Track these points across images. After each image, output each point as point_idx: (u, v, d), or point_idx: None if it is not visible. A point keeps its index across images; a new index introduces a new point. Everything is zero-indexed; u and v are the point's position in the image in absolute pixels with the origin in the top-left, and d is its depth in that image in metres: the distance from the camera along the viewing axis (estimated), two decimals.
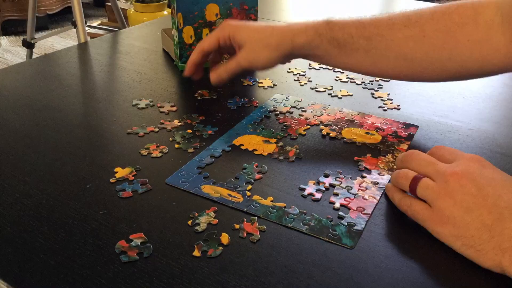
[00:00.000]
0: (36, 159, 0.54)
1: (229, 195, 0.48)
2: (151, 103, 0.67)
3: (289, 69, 0.81)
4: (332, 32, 0.58)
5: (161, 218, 0.45)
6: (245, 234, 0.43)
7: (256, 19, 0.79)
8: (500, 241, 0.38)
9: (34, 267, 0.39)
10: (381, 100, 0.70)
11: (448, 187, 0.41)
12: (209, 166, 0.53)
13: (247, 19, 0.79)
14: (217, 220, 0.45)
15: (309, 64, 0.83)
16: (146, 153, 0.55)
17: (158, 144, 0.57)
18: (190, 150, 0.56)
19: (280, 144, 0.58)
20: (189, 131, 0.60)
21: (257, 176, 0.52)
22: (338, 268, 0.40)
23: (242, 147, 0.57)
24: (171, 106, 0.67)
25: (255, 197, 0.48)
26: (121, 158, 0.54)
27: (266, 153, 0.56)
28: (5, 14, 3.16)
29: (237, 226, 0.44)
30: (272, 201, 0.48)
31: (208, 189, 0.49)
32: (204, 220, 0.44)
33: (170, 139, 0.58)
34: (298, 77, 0.78)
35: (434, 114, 0.66)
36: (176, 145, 0.57)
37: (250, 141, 0.58)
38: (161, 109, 0.66)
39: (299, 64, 0.82)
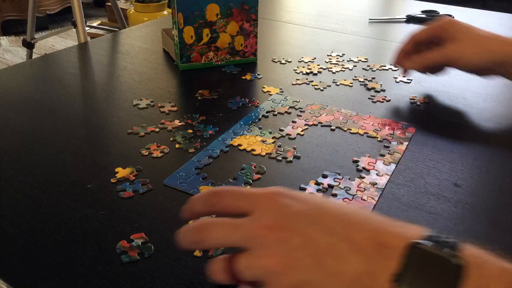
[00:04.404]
0: (36, 159, 0.54)
1: None
2: (152, 103, 0.67)
3: (296, 70, 0.81)
4: None
5: (162, 218, 0.45)
6: None
7: (256, 19, 0.79)
8: None
9: (34, 267, 0.39)
10: (375, 91, 0.71)
11: (270, 251, 0.31)
12: (207, 166, 0.53)
13: (247, 19, 0.79)
14: None
15: (308, 66, 0.83)
16: (147, 153, 0.55)
17: (158, 144, 0.57)
18: (191, 150, 0.56)
19: (278, 144, 0.58)
20: (190, 131, 0.60)
21: (256, 176, 0.52)
22: None
23: (240, 148, 0.57)
24: (172, 106, 0.66)
25: None
26: (121, 158, 0.54)
27: (264, 154, 0.56)
28: (5, 14, 3.16)
29: None
30: None
31: None
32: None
33: (171, 139, 0.58)
34: (304, 79, 0.78)
35: (434, 114, 0.66)
36: (177, 145, 0.57)
37: (248, 142, 0.58)
38: (162, 109, 0.66)
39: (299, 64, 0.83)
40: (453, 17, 0.73)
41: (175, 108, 0.66)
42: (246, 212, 0.34)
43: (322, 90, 0.73)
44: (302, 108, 0.67)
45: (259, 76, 0.78)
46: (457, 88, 0.75)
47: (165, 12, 2.92)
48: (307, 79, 0.77)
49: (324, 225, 0.32)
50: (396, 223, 0.32)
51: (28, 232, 0.43)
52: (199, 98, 0.70)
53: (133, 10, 2.94)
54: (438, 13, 1.13)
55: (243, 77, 0.77)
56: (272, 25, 1.08)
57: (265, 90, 0.73)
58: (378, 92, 0.73)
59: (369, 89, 0.74)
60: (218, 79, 0.76)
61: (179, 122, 0.62)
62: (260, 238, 0.32)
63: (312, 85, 0.75)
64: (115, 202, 0.47)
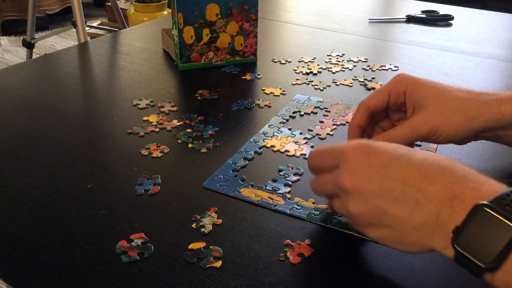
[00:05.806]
0: (36, 159, 0.54)
1: (270, 198, 0.48)
2: (152, 103, 0.67)
3: (296, 68, 0.81)
4: None
5: (161, 218, 0.45)
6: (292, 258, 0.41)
7: (256, 19, 0.79)
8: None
9: (34, 267, 0.39)
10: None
11: (350, 199, 0.38)
12: (243, 168, 0.53)
13: (247, 19, 0.79)
14: (221, 220, 0.45)
15: (308, 66, 0.83)
16: (147, 153, 0.55)
17: (158, 144, 0.57)
18: (203, 150, 0.56)
19: (311, 144, 0.58)
20: (189, 130, 0.60)
21: (295, 178, 0.51)
22: (340, 268, 0.40)
23: (274, 149, 0.57)
24: (172, 106, 0.66)
25: (296, 199, 0.48)
26: (121, 158, 0.54)
27: (299, 155, 0.56)
28: (5, 14, 3.16)
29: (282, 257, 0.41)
30: (313, 203, 0.47)
31: (248, 193, 0.49)
32: (208, 221, 0.44)
33: (179, 141, 0.58)
34: (306, 79, 0.78)
35: None
36: (190, 145, 0.57)
37: (281, 143, 0.58)
38: (162, 109, 0.66)
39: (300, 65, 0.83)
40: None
41: (175, 108, 0.66)
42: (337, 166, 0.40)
43: (322, 90, 0.73)
44: (327, 108, 0.67)
45: (259, 76, 0.78)
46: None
47: (165, 12, 2.92)
48: (307, 79, 0.77)
49: (398, 177, 0.36)
50: (478, 176, 0.34)
51: (28, 232, 0.43)
52: (199, 98, 0.70)
53: (133, 10, 2.94)
54: (438, 13, 1.13)
55: (243, 77, 0.77)
56: (272, 25, 1.08)
57: (268, 91, 0.72)
58: None
59: (369, 89, 0.74)
60: (218, 79, 0.76)
61: (178, 122, 0.62)
62: (342, 189, 0.38)
63: (312, 85, 0.75)
64: (115, 202, 0.47)
